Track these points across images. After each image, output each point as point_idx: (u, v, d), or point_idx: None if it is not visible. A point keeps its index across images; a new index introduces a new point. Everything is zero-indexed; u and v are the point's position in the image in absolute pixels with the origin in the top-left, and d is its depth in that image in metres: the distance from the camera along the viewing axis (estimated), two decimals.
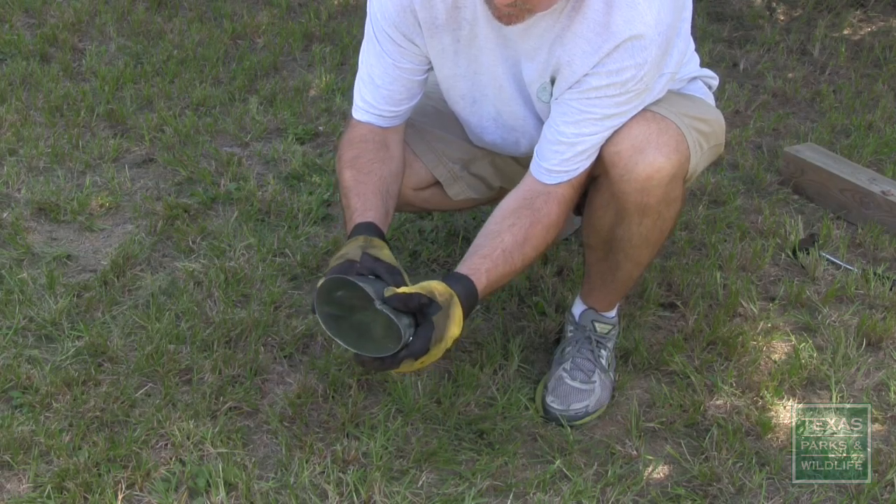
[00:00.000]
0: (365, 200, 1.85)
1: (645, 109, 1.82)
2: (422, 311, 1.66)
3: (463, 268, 1.77)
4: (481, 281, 1.76)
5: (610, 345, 2.12)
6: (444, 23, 1.81)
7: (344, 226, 1.93)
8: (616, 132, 1.80)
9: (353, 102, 1.96)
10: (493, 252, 1.79)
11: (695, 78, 2.03)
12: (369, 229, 1.80)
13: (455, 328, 1.69)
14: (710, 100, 2.07)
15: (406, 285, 1.69)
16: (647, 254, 1.96)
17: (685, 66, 1.98)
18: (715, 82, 2.09)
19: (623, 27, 1.67)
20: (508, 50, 1.80)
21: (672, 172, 1.81)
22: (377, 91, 1.92)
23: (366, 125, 1.95)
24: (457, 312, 1.69)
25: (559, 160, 1.81)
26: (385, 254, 1.74)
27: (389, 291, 1.66)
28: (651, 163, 1.78)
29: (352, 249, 1.73)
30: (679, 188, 1.86)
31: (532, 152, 1.93)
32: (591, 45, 1.69)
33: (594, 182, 1.88)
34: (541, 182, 1.84)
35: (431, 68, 1.92)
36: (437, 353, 1.68)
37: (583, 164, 1.82)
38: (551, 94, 1.82)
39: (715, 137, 1.98)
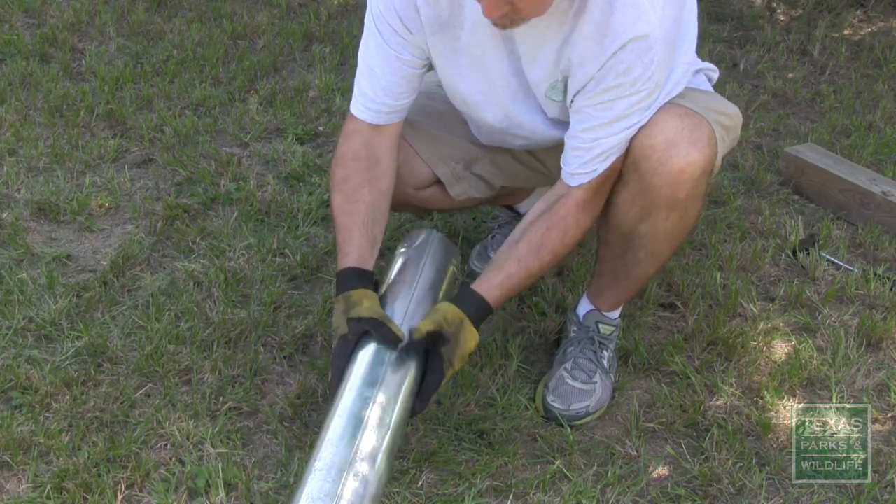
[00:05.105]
0: (349, 238, 1.91)
1: (676, 104, 1.84)
2: (434, 343, 1.79)
3: (479, 282, 1.86)
4: (493, 294, 1.85)
5: (612, 346, 2.12)
6: (448, 20, 1.80)
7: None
8: (648, 126, 1.81)
9: (352, 98, 1.96)
10: (508, 261, 1.87)
11: (699, 70, 2.03)
12: (347, 281, 1.86)
13: (470, 344, 1.80)
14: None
15: (394, 332, 1.76)
16: (668, 250, 1.97)
17: (694, 58, 1.98)
18: (715, 75, 2.09)
19: (627, 27, 1.67)
20: (511, 46, 1.81)
21: (703, 167, 1.83)
22: (376, 82, 1.90)
23: (360, 134, 1.94)
24: (467, 334, 1.80)
25: (579, 163, 1.84)
26: (365, 307, 1.80)
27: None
28: (685, 157, 1.80)
29: (339, 322, 1.81)
30: (704, 184, 1.88)
31: (537, 148, 1.94)
32: (598, 46, 1.70)
33: (620, 178, 1.89)
34: (565, 184, 1.88)
35: (430, 63, 1.92)
36: (452, 372, 1.81)
37: (601, 166, 1.83)
38: (564, 94, 1.83)
39: (734, 130, 2.01)
